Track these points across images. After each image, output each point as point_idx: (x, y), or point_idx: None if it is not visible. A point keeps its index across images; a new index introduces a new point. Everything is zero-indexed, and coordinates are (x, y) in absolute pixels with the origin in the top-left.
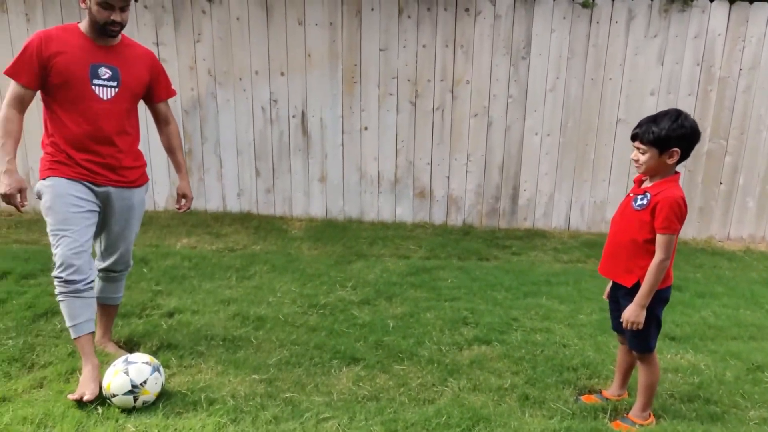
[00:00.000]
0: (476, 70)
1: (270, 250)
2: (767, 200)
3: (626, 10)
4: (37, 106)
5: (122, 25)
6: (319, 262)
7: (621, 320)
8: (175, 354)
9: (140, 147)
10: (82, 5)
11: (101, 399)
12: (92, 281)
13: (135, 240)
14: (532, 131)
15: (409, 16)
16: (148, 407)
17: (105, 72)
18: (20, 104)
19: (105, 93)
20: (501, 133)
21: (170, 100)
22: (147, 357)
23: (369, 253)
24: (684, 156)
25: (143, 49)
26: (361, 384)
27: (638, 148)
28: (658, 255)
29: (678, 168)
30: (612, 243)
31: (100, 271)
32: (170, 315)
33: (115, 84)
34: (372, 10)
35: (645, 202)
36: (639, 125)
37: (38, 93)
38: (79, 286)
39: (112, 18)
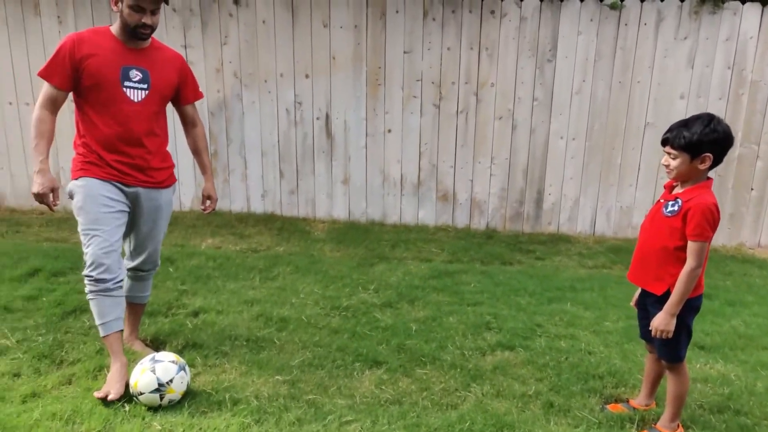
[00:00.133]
0: (501, 72)
1: (293, 252)
2: None
3: (655, 11)
4: (68, 106)
5: (153, 28)
6: (341, 264)
7: (650, 328)
8: (200, 353)
9: (168, 148)
10: (114, 8)
11: (128, 397)
12: (122, 280)
13: (162, 240)
14: (557, 135)
15: (433, 19)
16: (174, 406)
17: (136, 74)
18: (53, 105)
19: (135, 95)
20: (526, 137)
21: (197, 102)
22: (173, 356)
23: (391, 255)
24: (716, 161)
25: (172, 52)
26: (383, 387)
27: (669, 153)
28: (690, 263)
29: (709, 173)
30: (641, 250)
31: (128, 270)
32: (195, 314)
33: (145, 86)
34: (397, 12)
35: (676, 208)
36: (670, 129)
37: (70, 94)
38: (109, 285)
39: (143, 21)
